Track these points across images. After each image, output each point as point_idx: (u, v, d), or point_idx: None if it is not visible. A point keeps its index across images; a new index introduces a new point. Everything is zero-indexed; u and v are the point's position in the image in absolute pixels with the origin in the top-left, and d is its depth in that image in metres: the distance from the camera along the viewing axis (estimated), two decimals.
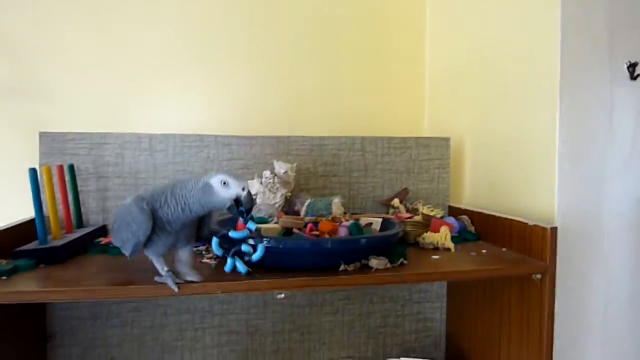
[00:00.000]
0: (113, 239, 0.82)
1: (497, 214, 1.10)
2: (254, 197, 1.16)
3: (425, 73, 1.50)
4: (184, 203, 0.76)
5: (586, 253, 1.03)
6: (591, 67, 1.00)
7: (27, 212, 1.06)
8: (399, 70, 1.48)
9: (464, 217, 1.20)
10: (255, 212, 1.07)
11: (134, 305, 1.17)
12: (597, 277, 1.04)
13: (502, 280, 1.05)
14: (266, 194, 1.12)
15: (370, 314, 1.29)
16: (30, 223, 1.01)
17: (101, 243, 1.03)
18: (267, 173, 1.15)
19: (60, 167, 1.04)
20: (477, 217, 1.18)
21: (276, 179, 1.14)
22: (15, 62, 1.25)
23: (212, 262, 0.92)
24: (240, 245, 0.78)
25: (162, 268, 0.79)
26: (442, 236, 1.06)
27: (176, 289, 0.77)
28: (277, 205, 1.11)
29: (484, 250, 1.04)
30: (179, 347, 1.19)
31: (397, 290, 1.30)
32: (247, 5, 1.37)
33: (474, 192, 1.31)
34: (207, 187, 0.75)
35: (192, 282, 0.79)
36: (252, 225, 0.78)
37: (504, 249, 1.05)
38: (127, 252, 0.79)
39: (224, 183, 0.75)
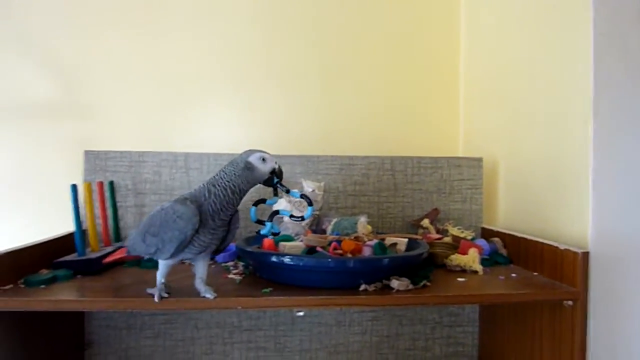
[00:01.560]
0: (140, 247, 0.82)
1: (529, 237, 1.06)
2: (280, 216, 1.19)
3: (460, 92, 1.49)
4: (233, 185, 0.81)
5: (623, 280, 0.98)
6: (625, 85, 0.96)
7: (66, 226, 1.12)
8: (432, 89, 1.47)
9: (496, 239, 1.17)
10: (282, 230, 1.09)
11: (166, 317, 1.21)
12: (636, 306, 0.98)
13: (534, 307, 1.02)
14: (294, 212, 1.14)
15: (399, 335, 1.27)
16: (70, 236, 1.07)
17: (106, 261, 0.97)
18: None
19: (101, 184, 1.10)
20: (509, 240, 1.15)
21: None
22: (63, 84, 1.34)
23: (238, 277, 0.95)
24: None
25: (161, 278, 0.82)
26: (470, 259, 1.04)
27: (157, 300, 0.80)
28: (304, 223, 1.13)
29: (513, 274, 1.01)
30: None
31: (427, 312, 1.28)
32: (279, 27, 1.41)
33: (508, 214, 1.28)
34: (249, 165, 0.83)
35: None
36: (295, 193, 0.91)
37: (535, 274, 1.01)
38: (166, 254, 0.79)
39: (263, 159, 0.84)
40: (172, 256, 0.81)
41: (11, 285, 0.85)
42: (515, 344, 1.10)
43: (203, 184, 0.82)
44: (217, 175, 0.83)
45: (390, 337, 1.27)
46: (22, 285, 0.86)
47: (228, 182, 0.81)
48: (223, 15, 1.39)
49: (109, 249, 1.05)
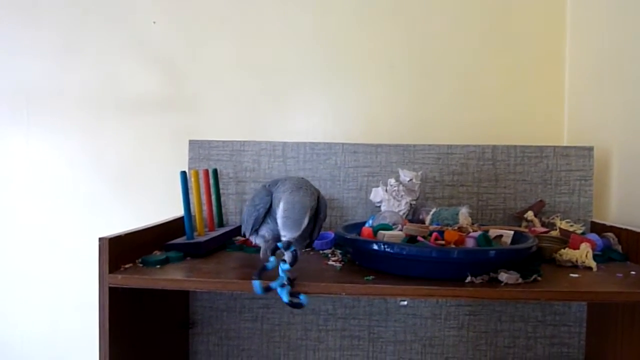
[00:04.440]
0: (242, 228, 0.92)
1: None
2: (377, 204, 1.18)
3: (565, 76, 1.39)
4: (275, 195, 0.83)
5: None
6: None
7: (172, 211, 1.20)
8: (534, 73, 1.39)
9: (610, 234, 1.09)
10: (379, 220, 1.08)
11: (264, 302, 1.25)
12: None
13: None
14: (391, 202, 1.13)
15: (498, 332, 1.22)
16: (177, 221, 1.14)
17: (237, 242, 1.12)
18: (392, 181, 1.16)
19: (206, 172, 1.15)
20: (625, 235, 1.06)
21: (401, 187, 1.14)
22: (167, 77, 1.42)
23: (338, 264, 0.95)
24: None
25: (266, 252, 0.85)
26: (583, 253, 0.97)
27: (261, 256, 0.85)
28: (401, 212, 1.11)
29: (632, 272, 0.93)
30: (303, 347, 1.25)
31: (529, 309, 1.22)
32: (375, 12, 1.40)
33: (623, 208, 1.18)
34: (277, 201, 0.81)
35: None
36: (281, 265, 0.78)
37: None
38: (248, 230, 0.88)
39: (277, 215, 0.80)
40: (252, 230, 0.87)
41: (131, 264, 0.92)
42: (629, 349, 1.02)
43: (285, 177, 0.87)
44: (284, 180, 0.85)
45: (488, 334, 1.22)
46: (140, 265, 0.93)
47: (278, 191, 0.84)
48: (315, 8, 1.40)
49: (214, 233, 1.10)
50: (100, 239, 0.85)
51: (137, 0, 1.42)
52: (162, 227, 1.08)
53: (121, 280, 0.85)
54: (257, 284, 0.77)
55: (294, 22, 1.41)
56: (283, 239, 0.78)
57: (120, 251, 0.89)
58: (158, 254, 0.98)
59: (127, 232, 0.93)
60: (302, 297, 0.78)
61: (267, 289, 0.77)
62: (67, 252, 1.43)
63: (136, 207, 1.41)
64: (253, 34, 1.41)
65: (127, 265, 0.91)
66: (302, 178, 0.86)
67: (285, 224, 0.77)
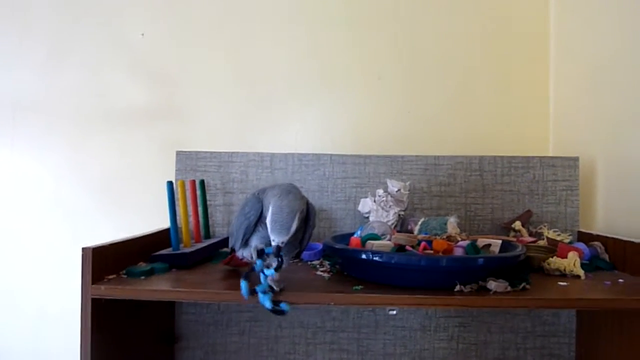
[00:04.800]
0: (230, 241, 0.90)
1: (637, 240, 0.98)
2: (366, 214, 1.18)
3: (550, 88, 1.41)
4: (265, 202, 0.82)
5: None
6: None
7: (158, 223, 1.19)
8: (519, 85, 1.41)
9: (597, 243, 1.09)
10: (368, 230, 1.08)
11: (251, 315, 1.23)
12: None
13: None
14: (379, 212, 1.13)
15: (488, 343, 1.21)
16: (163, 232, 1.12)
17: (222, 263, 1.03)
18: (380, 191, 1.16)
19: (193, 182, 1.14)
20: (611, 244, 1.06)
21: (389, 198, 1.14)
22: (155, 88, 1.42)
23: (326, 275, 0.94)
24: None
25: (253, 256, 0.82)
26: (571, 262, 0.97)
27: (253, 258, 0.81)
28: (389, 223, 1.11)
29: (620, 280, 0.93)
30: None
31: (518, 320, 1.21)
32: (363, 24, 1.41)
33: (609, 218, 1.19)
34: (267, 207, 0.79)
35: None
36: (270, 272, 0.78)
37: None
38: (238, 240, 0.85)
39: (267, 219, 0.78)
40: (243, 239, 0.84)
41: (114, 276, 0.90)
42: (619, 359, 1.01)
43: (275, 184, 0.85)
44: (274, 187, 0.84)
45: (478, 345, 1.22)
46: (125, 276, 0.91)
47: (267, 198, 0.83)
48: (306, 20, 1.41)
49: (201, 244, 1.08)
50: (84, 249, 0.83)
51: (125, 10, 1.42)
52: (147, 239, 1.07)
53: (104, 291, 0.83)
54: (244, 285, 0.76)
55: (282, 33, 1.41)
56: (273, 243, 0.78)
57: (104, 262, 0.88)
58: (143, 265, 0.97)
59: (111, 243, 0.92)
60: (283, 305, 0.77)
61: (253, 292, 0.77)
62: (51, 264, 1.39)
63: (122, 219, 1.38)
64: (242, 45, 1.41)
65: (110, 277, 0.89)
66: (291, 184, 0.85)
67: (274, 228, 0.77)
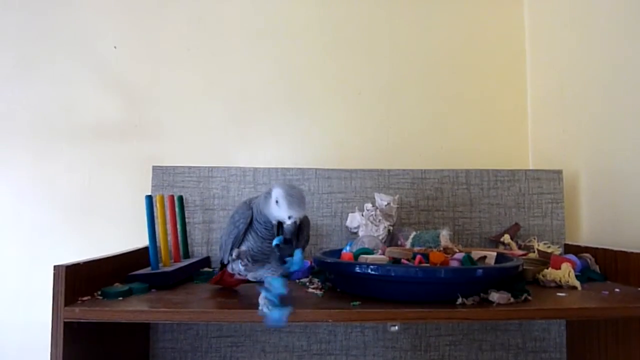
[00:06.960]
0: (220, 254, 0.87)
1: (629, 250, 0.98)
2: (354, 229, 1.14)
3: (527, 102, 1.43)
4: (258, 204, 0.78)
5: None
6: None
7: (131, 242, 1.11)
8: (498, 99, 1.42)
9: (587, 255, 1.09)
10: (358, 245, 1.04)
11: (233, 340, 1.15)
12: None
13: (638, 331, 0.91)
14: (369, 226, 1.09)
15: None
16: (139, 251, 1.05)
17: (211, 282, 0.96)
18: (368, 206, 1.13)
19: (172, 197, 1.08)
20: (601, 255, 1.06)
21: (378, 212, 1.10)
22: (131, 104, 1.35)
23: (319, 292, 0.89)
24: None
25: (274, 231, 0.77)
26: (565, 273, 0.96)
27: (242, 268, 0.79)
28: (380, 237, 1.07)
29: (617, 290, 0.92)
30: None
31: (509, 337, 1.18)
32: (342, 40, 1.40)
33: (594, 229, 1.19)
34: (268, 196, 0.77)
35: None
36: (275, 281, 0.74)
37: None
38: (227, 251, 0.81)
39: (277, 202, 0.74)
40: (232, 249, 0.79)
41: (89, 297, 0.82)
42: None
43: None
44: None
45: None
46: (100, 297, 0.83)
47: (257, 201, 0.80)
48: (284, 36, 1.39)
49: (180, 264, 1.01)
50: (56, 267, 0.76)
51: (97, 23, 1.35)
52: (122, 258, 0.99)
53: (78, 313, 0.75)
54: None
55: (261, 47, 1.38)
56: (289, 221, 0.73)
57: (77, 282, 0.80)
58: (119, 286, 0.89)
59: (85, 261, 0.84)
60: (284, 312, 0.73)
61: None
62: (14, 287, 1.26)
63: (92, 239, 1.28)
64: (219, 58, 1.37)
65: (84, 298, 0.81)
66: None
67: (292, 203, 0.73)
